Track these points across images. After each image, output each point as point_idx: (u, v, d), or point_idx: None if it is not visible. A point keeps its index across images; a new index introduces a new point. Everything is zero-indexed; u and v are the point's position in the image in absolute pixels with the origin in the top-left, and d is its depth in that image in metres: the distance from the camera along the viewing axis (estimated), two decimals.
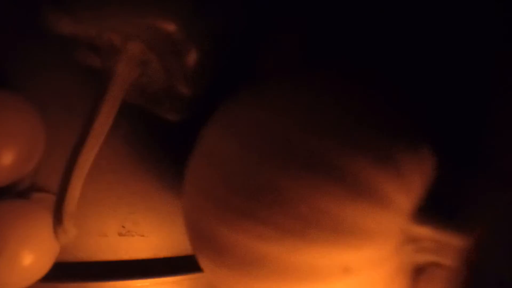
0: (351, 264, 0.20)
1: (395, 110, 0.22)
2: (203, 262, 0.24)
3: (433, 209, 0.22)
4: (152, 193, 0.29)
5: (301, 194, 0.20)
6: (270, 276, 0.21)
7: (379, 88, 0.23)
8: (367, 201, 0.20)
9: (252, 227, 0.20)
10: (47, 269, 0.25)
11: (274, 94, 0.23)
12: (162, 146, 0.28)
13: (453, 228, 0.21)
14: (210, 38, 0.23)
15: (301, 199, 0.20)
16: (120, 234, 0.29)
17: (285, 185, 0.20)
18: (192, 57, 0.23)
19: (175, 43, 0.22)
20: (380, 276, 0.21)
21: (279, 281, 0.21)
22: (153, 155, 0.28)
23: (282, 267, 0.20)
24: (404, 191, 0.21)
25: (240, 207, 0.21)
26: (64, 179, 0.22)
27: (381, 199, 0.20)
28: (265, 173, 0.20)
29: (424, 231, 0.21)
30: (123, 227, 0.29)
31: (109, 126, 0.22)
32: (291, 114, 0.21)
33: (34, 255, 0.24)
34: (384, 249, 0.21)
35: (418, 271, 0.23)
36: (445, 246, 0.21)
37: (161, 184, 0.29)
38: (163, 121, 0.26)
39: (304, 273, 0.20)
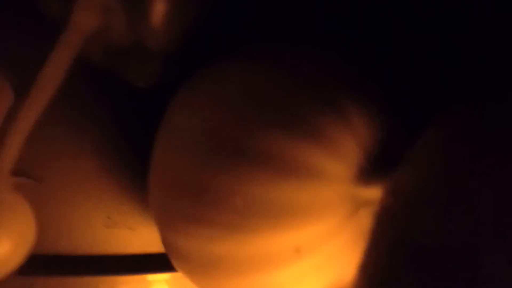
0: (301, 244, 0.20)
1: (309, 78, 0.21)
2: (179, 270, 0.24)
3: (377, 167, 0.20)
4: (142, 182, 0.28)
5: (232, 187, 0.19)
6: (228, 274, 0.21)
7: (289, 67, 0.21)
8: (297, 178, 0.19)
9: (198, 230, 0.20)
10: (22, 259, 0.25)
11: (199, 87, 0.22)
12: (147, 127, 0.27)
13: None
14: None
15: (234, 191, 0.19)
16: (107, 226, 0.28)
17: (216, 181, 0.20)
18: (161, 3, 0.21)
19: None
20: (338, 248, 0.21)
21: (237, 277, 0.21)
22: (141, 143, 0.27)
23: (236, 263, 0.20)
24: (338, 158, 0.20)
25: (184, 213, 0.21)
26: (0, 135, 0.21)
27: (313, 172, 0.20)
28: (198, 174, 0.20)
29: (373, 191, 0.20)
30: (109, 218, 0.28)
31: (60, 80, 0.21)
32: (210, 108, 0.21)
33: (9, 242, 0.23)
34: (333, 221, 0.20)
35: None
36: None
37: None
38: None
39: (258, 264, 0.20)
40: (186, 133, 0.21)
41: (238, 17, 0.26)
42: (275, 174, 0.19)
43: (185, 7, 0.21)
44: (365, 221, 0.20)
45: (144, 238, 0.29)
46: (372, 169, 0.20)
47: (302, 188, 0.19)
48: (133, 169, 0.28)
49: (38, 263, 0.26)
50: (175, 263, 0.23)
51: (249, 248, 0.19)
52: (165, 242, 0.23)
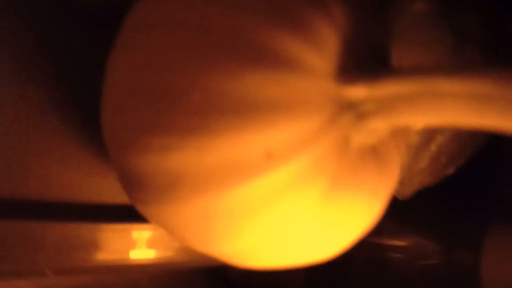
0: (273, 147, 0.16)
1: None
2: (138, 208, 0.20)
3: (362, 65, 0.17)
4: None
5: (188, 80, 0.16)
6: (188, 193, 0.17)
7: None
8: (270, 67, 0.16)
9: (151, 141, 0.17)
10: None
11: None
12: None
13: (391, 77, 0.16)
14: None
15: (190, 86, 0.16)
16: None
17: (169, 75, 0.16)
18: None
19: None
20: (319, 157, 0.17)
21: (200, 195, 0.17)
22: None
23: (196, 178, 0.17)
24: (317, 49, 0.17)
25: (134, 125, 0.17)
26: None
27: (288, 62, 0.16)
28: (149, 72, 0.17)
29: (358, 91, 0.17)
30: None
31: None
32: None
33: None
34: (310, 122, 0.17)
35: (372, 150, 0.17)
36: (389, 100, 0.16)
37: None
38: None
39: (223, 176, 0.16)
40: (147, 27, 0.18)
41: None
42: (241, 61, 0.16)
43: None
44: (347, 131, 0.17)
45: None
46: (356, 66, 0.17)
47: (274, 80, 0.16)
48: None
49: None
50: (131, 198, 0.20)
51: (211, 156, 0.16)
52: (118, 170, 0.19)
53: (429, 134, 0.27)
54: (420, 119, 0.16)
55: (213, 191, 0.16)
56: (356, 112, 0.17)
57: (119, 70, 0.19)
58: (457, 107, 0.15)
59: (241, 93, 0.16)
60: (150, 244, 0.26)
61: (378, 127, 0.17)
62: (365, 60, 0.17)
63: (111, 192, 0.25)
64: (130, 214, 0.24)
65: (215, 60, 0.16)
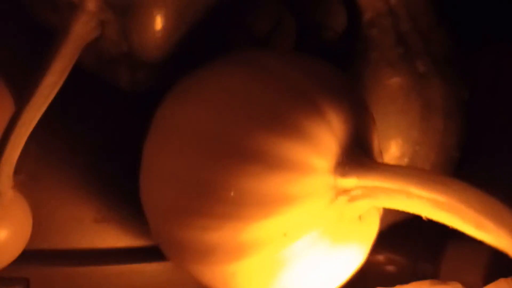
0: (288, 229, 0.22)
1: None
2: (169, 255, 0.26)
3: (353, 160, 0.23)
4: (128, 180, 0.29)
5: (227, 182, 0.22)
6: (223, 260, 0.23)
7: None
8: (283, 171, 0.22)
9: (195, 221, 0.23)
10: (20, 251, 0.26)
11: (190, 92, 0.24)
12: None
13: (375, 172, 0.22)
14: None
15: (228, 185, 0.22)
16: (96, 221, 0.30)
17: (212, 177, 0.22)
18: (153, 19, 0.22)
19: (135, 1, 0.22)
20: (322, 230, 0.23)
21: (232, 262, 0.23)
22: (128, 137, 0.28)
23: (230, 250, 0.22)
24: (319, 153, 0.22)
25: (181, 207, 0.23)
26: (3, 140, 0.22)
27: (298, 166, 0.22)
28: (195, 172, 0.22)
29: (350, 182, 0.23)
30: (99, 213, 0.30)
31: (58, 88, 0.22)
32: (203, 111, 0.23)
33: (7, 234, 0.25)
34: (315, 207, 0.23)
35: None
36: (372, 189, 0.23)
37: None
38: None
39: (251, 249, 0.22)
40: (181, 135, 0.23)
41: (224, 25, 0.29)
42: (264, 169, 0.21)
43: (176, 21, 0.23)
44: (343, 209, 0.23)
45: (132, 231, 0.30)
46: (349, 161, 0.23)
47: (288, 180, 0.22)
48: (120, 168, 0.29)
49: (33, 256, 0.27)
50: (168, 253, 0.25)
51: (242, 235, 0.22)
52: (158, 235, 0.25)
53: None
54: (395, 206, 0.22)
55: (242, 260, 0.22)
56: (348, 196, 0.23)
57: (158, 158, 0.24)
58: (420, 207, 0.21)
59: (264, 191, 0.22)
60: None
61: (364, 206, 0.24)
62: (356, 156, 0.23)
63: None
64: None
65: (247, 168, 0.21)
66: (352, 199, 0.23)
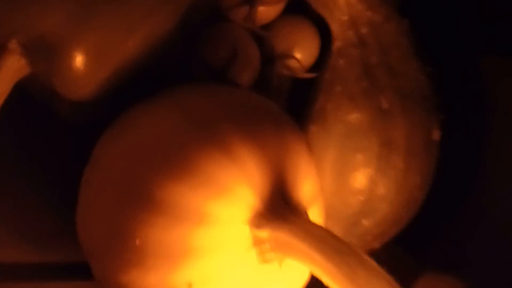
0: (194, 280, 0.23)
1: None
2: None
3: (271, 209, 0.23)
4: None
5: (133, 230, 0.22)
6: None
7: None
8: (189, 223, 0.22)
9: (110, 261, 0.23)
10: None
11: (119, 133, 0.25)
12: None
13: (287, 227, 0.22)
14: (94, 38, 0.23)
15: (134, 234, 0.22)
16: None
17: (121, 223, 0.22)
18: (72, 62, 0.23)
19: (52, 45, 0.22)
20: (232, 282, 0.23)
21: None
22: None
23: None
24: (229, 203, 0.22)
25: (100, 245, 0.24)
26: None
27: (203, 218, 0.22)
28: (109, 214, 0.23)
29: (263, 234, 0.23)
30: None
31: None
32: (122, 156, 0.24)
33: None
34: (225, 259, 0.23)
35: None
36: (284, 243, 0.22)
37: None
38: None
39: None
40: (104, 174, 0.24)
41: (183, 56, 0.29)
42: (169, 220, 0.22)
43: (101, 62, 0.24)
44: (255, 260, 0.23)
45: None
46: (266, 212, 0.23)
47: (194, 232, 0.22)
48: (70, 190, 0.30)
49: None
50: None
51: (146, 281, 0.22)
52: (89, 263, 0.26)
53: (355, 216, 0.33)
54: (302, 264, 0.22)
55: None
56: (260, 247, 0.23)
57: (87, 193, 0.25)
58: (317, 271, 0.21)
59: (169, 242, 0.22)
60: None
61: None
62: (274, 207, 0.23)
63: None
64: None
65: (152, 218, 0.22)
66: (266, 250, 0.23)
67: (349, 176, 0.32)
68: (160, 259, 0.22)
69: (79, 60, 0.23)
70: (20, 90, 0.25)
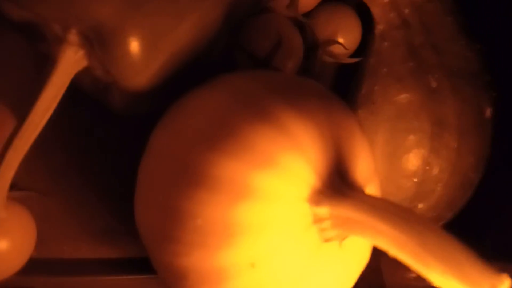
0: (256, 259, 0.22)
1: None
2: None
3: (330, 186, 0.23)
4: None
5: (194, 210, 0.22)
6: (193, 285, 0.23)
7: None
8: (249, 201, 0.22)
9: (168, 246, 0.23)
10: (24, 261, 0.28)
11: (172, 118, 0.25)
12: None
13: (347, 202, 0.22)
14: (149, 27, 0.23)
15: (195, 214, 0.22)
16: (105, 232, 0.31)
17: (182, 204, 0.22)
18: (128, 49, 0.23)
19: (108, 33, 0.23)
20: (295, 260, 0.23)
21: (204, 287, 0.23)
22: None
23: (198, 276, 0.23)
24: (288, 181, 0.22)
25: (158, 231, 0.24)
26: None
27: (263, 195, 0.22)
28: (168, 197, 0.23)
29: (323, 211, 0.22)
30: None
31: (49, 115, 0.24)
32: (179, 139, 0.24)
33: (7, 246, 0.27)
34: (285, 237, 0.22)
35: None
36: (345, 219, 0.22)
37: None
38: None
39: (217, 277, 0.23)
40: (160, 161, 0.24)
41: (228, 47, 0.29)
42: (229, 198, 0.22)
43: (155, 50, 0.24)
44: (316, 238, 0.23)
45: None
46: (324, 188, 0.23)
47: (254, 210, 0.22)
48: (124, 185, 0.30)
49: (40, 265, 0.29)
50: (157, 272, 0.26)
51: (208, 263, 0.22)
52: (148, 253, 0.26)
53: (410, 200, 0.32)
54: (366, 239, 0.22)
55: (209, 286, 0.23)
56: (321, 225, 0.23)
57: (144, 183, 0.25)
58: (384, 242, 0.20)
59: (230, 221, 0.22)
60: None
61: (344, 234, 0.23)
62: (332, 185, 0.23)
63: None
64: None
65: (213, 197, 0.22)
66: (327, 227, 0.23)
67: (401, 158, 0.31)
68: (222, 238, 0.22)
69: (135, 45, 0.23)
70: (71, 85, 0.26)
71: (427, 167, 0.31)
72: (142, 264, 0.31)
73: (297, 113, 0.23)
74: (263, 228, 0.22)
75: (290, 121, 0.23)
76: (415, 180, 0.31)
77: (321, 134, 0.23)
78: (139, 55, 0.24)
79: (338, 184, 0.23)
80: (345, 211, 0.22)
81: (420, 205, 0.32)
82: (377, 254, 0.31)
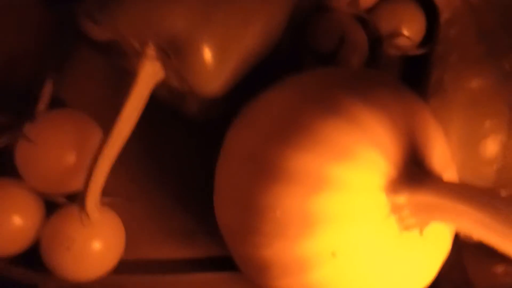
0: (337, 248, 0.23)
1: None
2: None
3: (406, 175, 0.23)
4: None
5: (273, 202, 0.23)
6: (276, 275, 0.24)
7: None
8: (326, 191, 0.22)
9: (249, 238, 0.24)
10: (115, 262, 0.30)
11: (246, 119, 0.26)
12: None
13: (425, 189, 0.22)
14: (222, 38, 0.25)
15: (274, 206, 0.23)
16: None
17: (260, 197, 0.23)
18: (201, 58, 0.25)
19: (182, 43, 0.24)
20: (376, 250, 0.23)
21: (284, 278, 0.24)
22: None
23: (280, 266, 0.24)
24: (364, 171, 0.22)
25: (239, 225, 0.25)
26: (88, 173, 0.25)
27: (339, 185, 0.22)
28: (246, 192, 0.24)
29: (401, 199, 0.22)
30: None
31: (133, 125, 0.26)
32: (254, 136, 0.24)
33: (100, 248, 0.29)
34: (365, 226, 0.23)
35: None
36: (425, 205, 0.22)
37: None
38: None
39: (299, 267, 0.23)
40: (236, 159, 0.25)
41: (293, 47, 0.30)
42: (306, 190, 0.22)
43: (228, 56, 0.25)
44: (394, 227, 0.23)
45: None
46: (401, 177, 0.23)
47: (331, 200, 0.22)
48: (202, 186, 0.32)
49: (127, 265, 0.31)
50: (240, 267, 0.27)
51: (289, 253, 0.23)
52: (230, 249, 0.27)
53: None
54: (444, 223, 0.21)
55: (291, 276, 0.23)
56: (400, 213, 0.23)
57: (223, 181, 0.26)
58: (468, 225, 0.20)
59: (309, 211, 0.22)
60: None
61: (424, 221, 0.23)
62: (409, 173, 0.23)
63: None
64: None
65: (291, 189, 0.22)
66: (406, 216, 0.23)
67: (478, 145, 0.30)
68: (301, 228, 0.22)
69: (208, 53, 0.25)
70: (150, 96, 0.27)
71: (507, 152, 0.30)
72: (220, 262, 0.32)
73: (368, 105, 0.23)
74: (341, 217, 0.22)
75: (362, 113, 0.23)
76: (495, 167, 0.30)
77: (394, 124, 0.23)
78: (212, 61, 0.25)
79: (414, 172, 0.23)
80: (425, 197, 0.22)
81: (503, 192, 0.31)
82: (459, 250, 0.30)
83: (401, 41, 0.33)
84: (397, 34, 0.33)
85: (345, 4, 0.32)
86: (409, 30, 0.33)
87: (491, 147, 0.30)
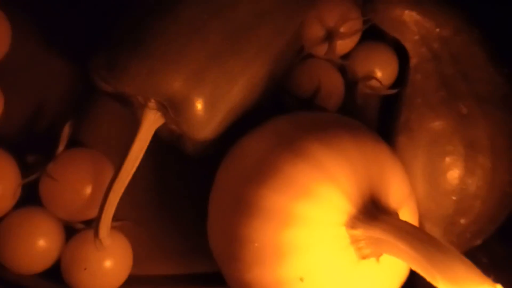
0: (304, 274, 0.27)
1: None
2: None
3: (364, 212, 0.27)
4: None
5: (250, 236, 0.28)
6: None
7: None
8: (294, 226, 0.27)
9: (232, 264, 0.29)
10: (124, 277, 0.35)
11: (230, 158, 0.31)
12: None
13: (376, 226, 0.26)
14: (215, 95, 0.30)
15: (252, 239, 0.28)
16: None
17: (240, 231, 0.28)
18: (194, 111, 0.30)
19: (178, 101, 0.29)
20: (336, 274, 0.28)
21: None
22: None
23: (262, 287, 0.28)
24: (326, 209, 0.27)
25: (225, 252, 0.30)
26: (102, 203, 0.30)
27: (306, 221, 0.27)
28: (229, 225, 0.29)
29: (358, 233, 0.27)
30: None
31: (138, 162, 0.31)
32: (234, 177, 0.29)
33: (110, 267, 0.34)
34: (328, 255, 0.27)
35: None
36: (376, 239, 0.27)
37: None
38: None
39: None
40: (223, 195, 0.30)
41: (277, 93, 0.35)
42: (278, 225, 0.27)
43: (219, 109, 0.30)
44: (352, 255, 0.27)
45: None
46: (358, 214, 0.27)
47: (299, 234, 0.27)
48: (199, 214, 0.36)
49: (134, 280, 0.36)
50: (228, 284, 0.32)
51: (266, 278, 0.28)
52: (219, 268, 0.32)
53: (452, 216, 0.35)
54: (395, 257, 0.26)
55: None
56: (357, 244, 0.27)
57: (213, 212, 0.31)
58: (405, 259, 0.24)
59: (280, 243, 0.27)
60: None
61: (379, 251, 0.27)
62: (364, 208, 0.27)
63: None
64: None
65: (264, 225, 0.27)
66: (363, 246, 0.27)
67: (440, 179, 0.34)
68: (275, 257, 0.27)
69: (200, 108, 0.30)
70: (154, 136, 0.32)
71: (464, 186, 0.34)
72: (214, 278, 0.36)
73: (329, 149, 0.28)
74: (308, 248, 0.27)
75: (323, 156, 0.28)
76: (454, 197, 0.34)
77: (352, 166, 0.28)
78: (203, 115, 0.30)
79: (370, 209, 0.27)
80: (375, 233, 0.26)
81: (462, 220, 0.35)
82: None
83: (374, 83, 0.37)
84: (370, 77, 0.37)
85: (323, 52, 0.37)
86: (383, 72, 0.38)
87: (451, 180, 0.34)
